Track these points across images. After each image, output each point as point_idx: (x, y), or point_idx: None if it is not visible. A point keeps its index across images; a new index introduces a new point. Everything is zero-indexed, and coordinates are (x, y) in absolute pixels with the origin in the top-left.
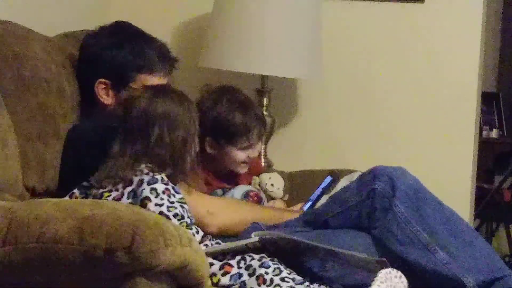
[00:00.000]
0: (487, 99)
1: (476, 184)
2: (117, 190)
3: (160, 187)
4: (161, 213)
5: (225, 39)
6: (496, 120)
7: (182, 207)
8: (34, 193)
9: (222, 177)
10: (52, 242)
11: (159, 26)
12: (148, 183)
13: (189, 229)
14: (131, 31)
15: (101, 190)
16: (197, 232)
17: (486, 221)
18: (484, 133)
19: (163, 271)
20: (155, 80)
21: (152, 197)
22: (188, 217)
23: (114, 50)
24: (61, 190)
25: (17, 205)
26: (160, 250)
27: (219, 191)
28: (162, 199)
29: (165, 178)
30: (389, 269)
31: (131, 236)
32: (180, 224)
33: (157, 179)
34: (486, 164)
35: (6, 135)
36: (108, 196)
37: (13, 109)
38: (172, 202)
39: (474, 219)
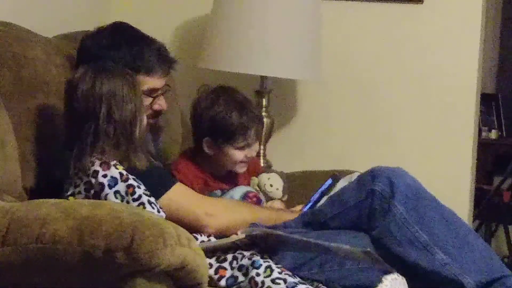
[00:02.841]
0: (486, 100)
1: (475, 185)
2: (79, 193)
3: (122, 187)
4: None
5: (224, 40)
6: (495, 121)
7: (149, 202)
8: (33, 194)
9: (220, 178)
10: (51, 242)
11: (158, 27)
12: (110, 187)
13: None
14: (130, 32)
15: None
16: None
17: (485, 222)
18: (483, 134)
19: (162, 271)
20: (153, 81)
21: (118, 201)
22: (158, 212)
23: (112, 51)
24: (60, 191)
25: (16, 206)
26: (159, 250)
27: (218, 192)
28: (128, 202)
29: (123, 172)
30: (394, 276)
31: (130, 236)
32: None
33: (116, 178)
34: (485, 165)
35: (6, 136)
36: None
37: (12, 110)
38: (139, 197)
39: (473, 220)
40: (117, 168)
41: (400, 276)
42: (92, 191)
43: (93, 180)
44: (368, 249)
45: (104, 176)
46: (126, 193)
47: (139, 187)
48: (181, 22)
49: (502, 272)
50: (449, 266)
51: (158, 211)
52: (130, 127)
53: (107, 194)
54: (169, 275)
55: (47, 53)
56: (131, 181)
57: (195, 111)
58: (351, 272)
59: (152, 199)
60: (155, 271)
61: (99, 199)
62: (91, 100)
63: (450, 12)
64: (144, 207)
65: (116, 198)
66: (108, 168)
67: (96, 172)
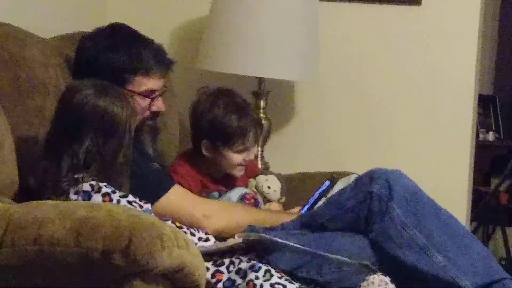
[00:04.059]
0: (484, 102)
1: (473, 187)
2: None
3: (97, 198)
4: None
5: (222, 41)
6: (493, 123)
7: (129, 202)
8: (30, 196)
9: (218, 180)
10: (49, 244)
11: (157, 28)
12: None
13: None
14: (128, 33)
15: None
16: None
17: (482, 224)
18: (481, 136)
19: (160, 273)
20: (151, 82)
21: None
22: (141, 207)
23: (110, 53)
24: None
25: (14, 208)
26: (157, 252)
27: (216, 194)
28: None
29: (93, 182)
30: (371, 278)
31: (128, 238)
32: None
33: (88, 192)
34: (483, 167)
35: (3, 137)
36: None
37: (10, 111)
38: (118, 202)
39: (471, 222)
40: (85, 181)
41: (379, 278)
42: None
43: (72, 195)
44: (366, 262)
45: (76, 193)
46: (104, 202)
47: (114, 192)
48: (179, 23)
49: (499, 275)
50: (447, 268)
51: (141, 207)
52: (112, 156)
53: None
54: (167, 277)
55: (45, 54)
56: (104, 189)
57: (194, 113)
58: (349, 275)
59: (131, 198)
60: (153, 273)
61: None
62: (82, 114)
63: (448, 13)
64: None
65: None
66: (77, 184)
67: (66, 191)
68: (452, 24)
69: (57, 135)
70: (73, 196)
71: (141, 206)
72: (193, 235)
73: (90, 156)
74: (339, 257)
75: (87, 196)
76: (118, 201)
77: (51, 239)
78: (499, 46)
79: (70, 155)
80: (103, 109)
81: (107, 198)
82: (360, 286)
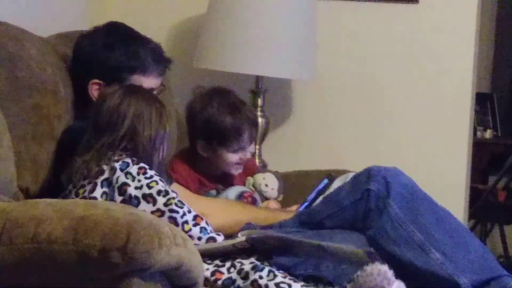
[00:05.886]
0: (481, 100)
1: (471, 184)
2: (90, 183)
3: (133, 169)
4: (144, 196)
5: (219, 40)
6: (490, 121)
7: (161, 180)
8: (28, 194)
9: (216, 178)
10: (46, 242)
11: (154, 26)
12: (121, 169)
13: (178, 205)
14: (125, 32)
15: (75, 189)
16: (189, 211)
17: (480, 221)
18: (478, 133)
19: (158, 271)
20: (148, 81)
21: (129, 181)
22: (173, 191)
23: (108, 51)
24: (56, 191)
25: (11, 205)
26: (155, 250)
27: (213, 192)
28: (139, 180)
29: (135, 158)
30: (369, 268)
31: (125, 236)
32: (168, 201)
33: (128, 162)
34: (481, 165)
35: (1, 135)
36: (84, 192)
37: (7, 110)
38: (151, 177)
39: (469, 220)
40: (129, 157)
41: (379, 266)
42: (103, 177)
43: (104, 167)
44: (372, 250)
45: (116, 161)
46: (138, 173)
47: (150, 169)
48: (177, 21)
49: (497, 272)
50: (445, 265)
51: (173, 191)
52: (147, 151)
53: (118, 177)
54: (165, 274)
55: (43, 52)
56: (142, 164)
57: (190, 113)
58: (346, 272)
59: (162, 180)
60: (151, 271)
61: (111, 182)
62: (115, 115)
63: (445, 11)
64: (157, 183)
65: (127, 178)
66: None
67: (108, 159)
68: (449, 22)
69: (91, 136)
70: (112, 163)
71: (173, 191)
72: (205, 229)
73: (127, 141)
74: (344, 245)
75: (125, 165)
76: (152, 176)
77: (49, 237)
78: (496, 44)
79: (105, 144)
80: (136, 108)
81: (142, 171)
82: (357, 276)
